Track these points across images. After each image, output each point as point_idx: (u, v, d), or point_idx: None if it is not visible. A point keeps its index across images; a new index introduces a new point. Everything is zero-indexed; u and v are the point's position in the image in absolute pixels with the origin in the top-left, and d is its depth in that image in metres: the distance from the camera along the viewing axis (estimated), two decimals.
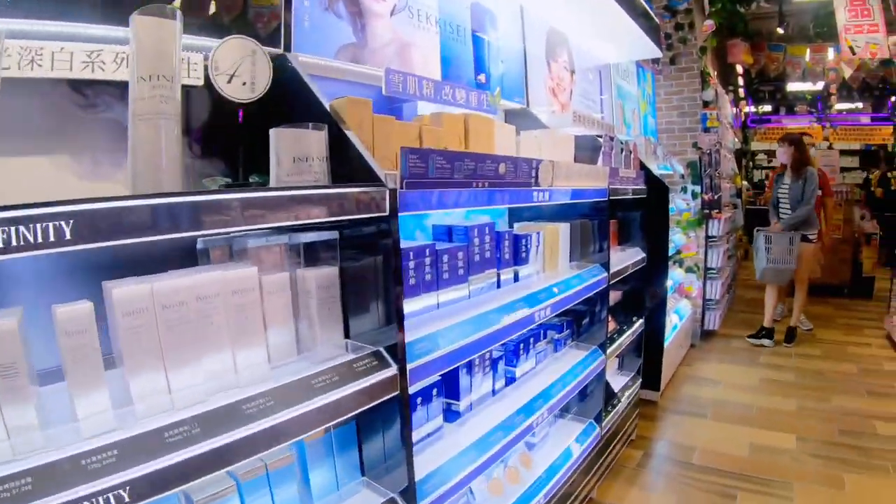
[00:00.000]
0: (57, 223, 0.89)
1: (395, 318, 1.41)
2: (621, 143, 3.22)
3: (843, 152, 11.06)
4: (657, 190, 3.74)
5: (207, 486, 1.28)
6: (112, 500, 0.92)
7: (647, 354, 3.84)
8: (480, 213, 2.55)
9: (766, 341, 5.47)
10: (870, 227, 7.66)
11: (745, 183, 10.38)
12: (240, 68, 1.48)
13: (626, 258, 3.26)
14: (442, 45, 2.41)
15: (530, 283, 2.29)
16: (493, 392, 2.21)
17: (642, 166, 3.62)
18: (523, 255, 2.26)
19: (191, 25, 1.55)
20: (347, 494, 1.56)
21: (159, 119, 1.19)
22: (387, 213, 1.37)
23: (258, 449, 1.14)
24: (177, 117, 1.22)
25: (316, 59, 1.85)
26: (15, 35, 1.28)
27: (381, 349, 1.43)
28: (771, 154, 12.69)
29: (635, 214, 3.62)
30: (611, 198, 2.83)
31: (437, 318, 1.73)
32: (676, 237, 4.99)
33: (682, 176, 5.61)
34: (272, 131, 1.37)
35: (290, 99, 1.64)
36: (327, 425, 1.32)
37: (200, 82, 1.56)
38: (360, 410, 1.34)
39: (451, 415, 2.01)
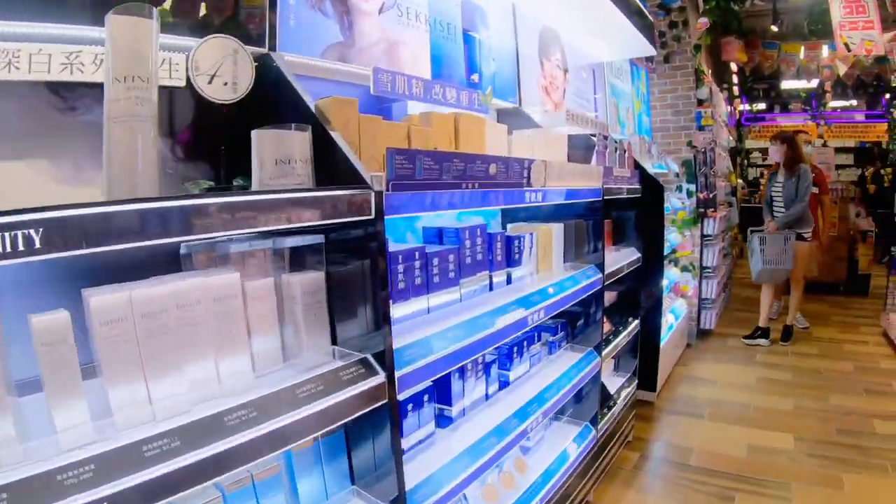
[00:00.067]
0: (26, 231, 0.85)
1: (383, 323, 1.37)
2: (615, 142, 3.19)
3: (837, 150, 11.06)
4: (652, 189, 3.71)
5: (191, 498, 1.24)
6: None
7: (643, 355, 3.81)
8: (473, 215, 2.51)
9: (761, 341, 5.45)
10: (865, 224, 7.64)
11: (739, 181, 10.37)
12: (221, 68, 1.44)
13: (621, 258, 3.23)
14: (432, 44, 2.37)
15: (523, 285, 2.25)
16: (487, 397, 2.17)
17: (637, 165, 3.59)
18: (516, 256, 2.22)
19: (181, 27, 1.53)
20: None
21: (134, 121, 1.15)
22: (372, 217, 1.33)
23: (240, 462, 1.11)
24: (153, 119, 1.18)
25: (302, 58, 1.81)
26: None
27: (369, 356, 1.39)
28: (765, 152, 12.68)
29: (630, 214, 3.58)
30: (605, 197, 2.79)
31: (427, 323, 1.69)
32: (672, 236, 4.96)
33: (677, 175, 5.59)
34: (254, 133, 1.33)
35: (274, 99, 1.60)
36: (313, 436, 1.28)
37: (183, 83, 1.52)
38: (346, 420, 1.30)
39: (443, 420, 1.97)
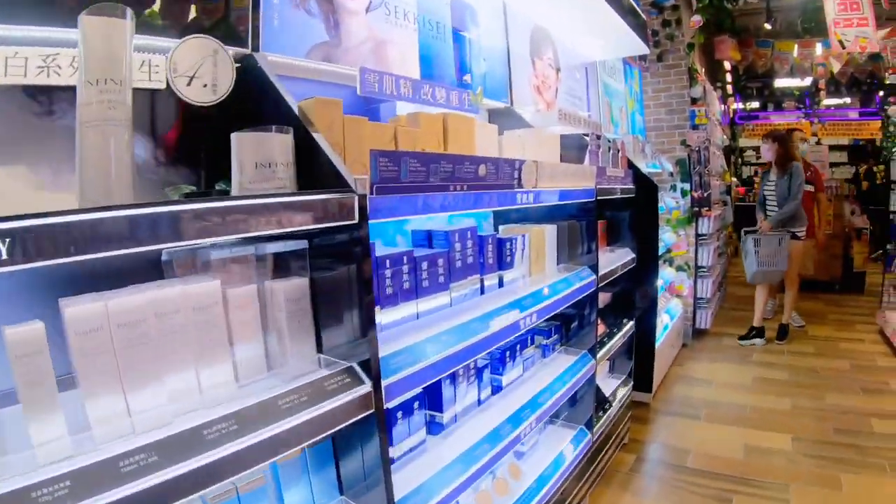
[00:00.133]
0: None
1: (368, 331, 1.33)
2: (608, 141, 3.15)
3: (831, 147, 11.06)
4: (646, 189, 3.68)
5: None
6: None
7: (639, 356, 3.79)
8: (464, 217, 2.47)
9: (757, 341, 5.43)
10: (860, 221, 7.64)
11: (734, 180, 10.36)
12: (200, 69, 1.39)
13: (615, 259, 3.20)
14: (421, 44, 2.33)
15: (516, 288, 2.21)
16: (479, 402, 2.13)
17: (630, 165, 3.56)
18: (508, 259, 2.18)
19: (169, 29, 1.49)
20: None
21: (108, 125, 1.11)
22: (356, 221, 1.29)
23: (221, 477, 1.07)
24: (128, 123, 1.14)
25: (286, 58, 1.77)
26: None
27: (354, 365, 1.35)
28: (760, 150, 12.69)
29: (624, 214, 3.55)
30: (598, 198, 2.76)
31: (416, 329, 1.65)
32: (666, 236, 4.94)
33: (671, 174, 5.57)
34: (233, 136, 1.29)
35: (257, 101, 1.57)
36: (297, 448, 1.24)
37: (163, 85, 1.48)
38: (331, 431, 1.26)
39: (434, 427, 1.93)
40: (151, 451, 1.00)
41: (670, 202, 5.34)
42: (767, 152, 5.35)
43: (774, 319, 5.87)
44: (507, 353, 2.26)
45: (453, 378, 1.94)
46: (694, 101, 5.90)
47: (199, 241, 1.05)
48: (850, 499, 2.86)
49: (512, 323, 1.98)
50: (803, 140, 5.94)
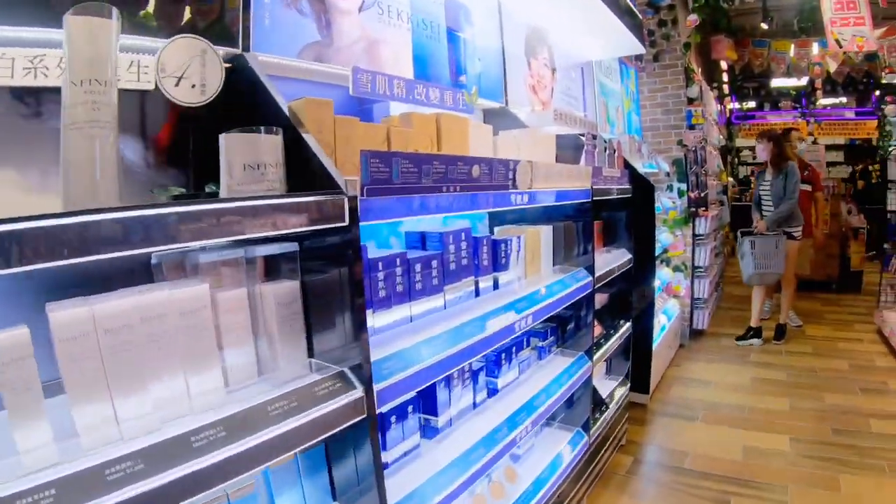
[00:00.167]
0: None
1: (359, 335, 1.31)
2: (605, 141, 3.13)
3: (828, 147, 11.06)
4: (643, 189, 3.66)
5: None
6: None
7: (636, 357, 3.76)
8: (459, 218, 2.45)
9: (754, 341, 5.41)
10: (857, 221, 7.64)
11: (730, 180, 10.36)
12: (188, 70, 1.37)
13: (611, 260, 3.18)
14: (415, 43, 2.31)
15: (511, 290, 2.19)
16: (475, 405, 2.11)
17: (627, 165, 3.54)
18: (503, 260, 2.16)
19: (163, 30, 1.48)
20: None
21: (93, 127, 1.09)
22: (346, 223, 1.26)
23: (209, 485, 1.04)
24: (113, 125, 1.12)
25: (277, 58, 1.74)
26: None
27: (346, 369, 1.33)
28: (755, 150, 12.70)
29: (621, 214, 3.53)
30: (594, 198, 2.74)
31: (410, 332, 1.63)
32: (663, 236, 4.92)
33: (668, 174, 5.55)
34: (222, 137, 1.27)
35: (248, 102, 1.54)
36: (288, 454, 1.22)
37: (153, 86, 1.46)
38: (322, 438, 1.24)
39: (429, 431, 1.91)
40: (138, 459, 0.98)
41: (667, 202, 5.32)
42: (762, 152, 5.34)
43: (772, 319, 5.85)
44: (503, 355, 2.23)
45: (448, 381, 1.91)
46: (690, 100, 5.89)
47: (184, 244, 1.03)
48: (848, 500, 2.84)
49: (507, 325, 1.96)
50: (801, 139, 5.92)
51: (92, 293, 1.12)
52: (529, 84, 3.31)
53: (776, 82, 11.98)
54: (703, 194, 5.63)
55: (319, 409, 1.22)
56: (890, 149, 10.03)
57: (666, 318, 4.87)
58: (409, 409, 1.75)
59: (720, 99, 9.62)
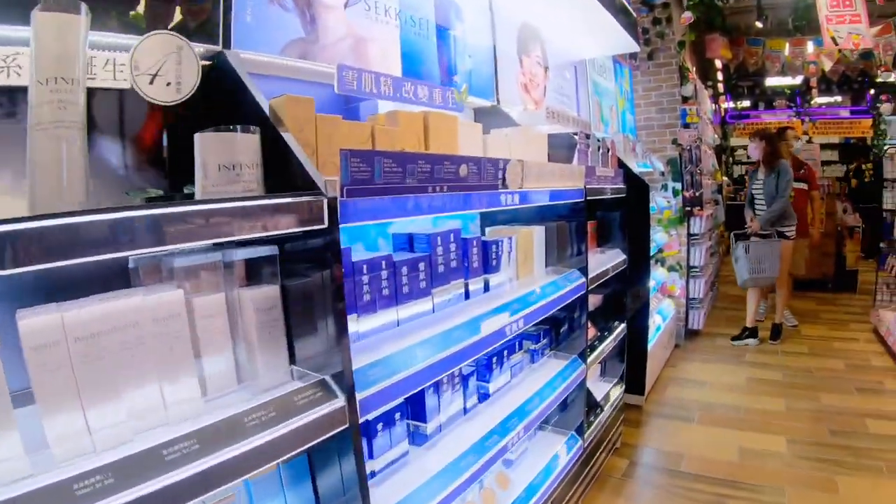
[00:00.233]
0: None
1: (340, 341, 1.26)
2: (598, 140, 3.09)
3: (822, 146, 11.06)
4: (637, 188, 3.62)
5: None
6: None
7: (631, 358, 3.72)
8: (449, 219, 2.40)
9: (750, 341, 5.38)
10: (852, 220, 7.62)
11: (725, 179, 10.34)
12: (163, 67, 1.32)
13: (606, 261, 3.13)
14: (403, 40, 2.26)
15: (502, 292, 2.14)
16: (465, 411, 2.06)
17: (621, 164, 3.50)
18: (494, 262, 2.11)
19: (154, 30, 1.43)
20: None
21: (59, 128, 1.05)
22: (325, 226, 1.21)
23: (183, 499, 1.01)
24: (80, 125, 1.07)
25: (259, 55, 1.69)
26: None
27: (327, 377, 1.28)
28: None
29: (615, 214, 3.49)
30: (588, 198, 2.69)
31: (397, 337, 1.58)
32: (658, 236, 4.88)
33: (663, 173, 5.51)
34: (196, 136, 1.22)
35: (227, 100, 1.50)
36: (266, 467, 1.17)
37: (129, 85, 1.41)
38: (302, 449, 1.19)
39: (418, 437, 1.86)
40: (108, 473, 0.94)
41: (662, 202, 5.27)
42: (755, 151, 5.31)
43: (768, 319, 5.83)
44: (494, 359, 2.19)
45: (437, 387, 1.86)
46: (685, 99, 5.84)
47: (151, 249, 0.98)
48: (846, 502, 2.81)
49: (498, 329, 1.92)
50: (796, 138, 5.89)
51: (71, 297, 1.08)
52: (521, 82, 3.26)
53: (771, 81, 11.98)
54: (697, 193, 5.59)
55: (299, 419, 1.18)
56: (885, 147, 10.01)
57: (661, 318, 4.83)
58: (397, 415, 1.70)
59: (715, 98, 9.60)
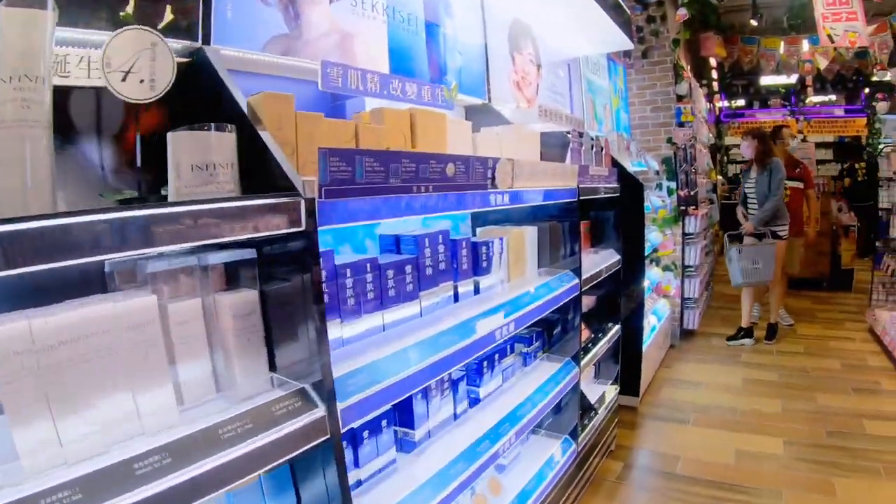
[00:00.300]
0: None
1: (320, 348, 1.21)
2: (592, 139, 3.04)
3: (817, 145, 11.05)
4: (631, 188, 3.57)
5: None
6: None
7: (625, 360, 3.68)
8: (439, 219, 2.35)
9: (745, 341, 5.35)
10: (847, 218, 7.59)
11: (720, 178, 10.31)
12: (136, 64, 1.26)
13: (599, 261, 3.08)
14: (391, 36, 2.20)
15: (493, 294, 2.09)
16: (455, 416, 2.01)
17: (615, 163, 3.45)
18: (484, 264, 2.05)
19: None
20: None
21: (21, 127, 0.99)
22: (303, 228, 1.16)
23: None
24: (46, 125, 1.02)
25: (240, 52, 1.63)
26: None
27: (307, 386, 1.23)
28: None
29: (609, 214, 3.44)
30: (581, 198, 2.65)
31: (382, 343, 1.53)
32: (652, 235, 4.84)
33: (657, 172, 5.47)
34: (169, 135, 1.17)
35: (206, 98, 1.44)
36: (243, 480, 1.12)
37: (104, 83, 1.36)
38: (281, 461, 1.14)
39: (406, 444, 1.81)
40: (76, 488, 0.90)
41: (656, 201, 5.24)
42: (747, 149, 5.26)
43: (763, 318, 5.79)
44: (485, 363, 2.14)
45: (425, 392, 1.81)
46: (679, 98, 5.81)
47: (120, 254, 0.93)
48: None
49: (488, 332, 1.87)
50: (792, 137, 5.85)
51: (44, 304, 1.04)
52: (514, 80, 3.21)
53: (766, 80, 11.95)
54: (692, 193, 5.56)
55: (277, 430, 1.13)
56: (880, 146, 10.00)
57: (656, 318, 4.79)
58: (384, 422, 1.65)
59: (709, 96, 9.57)
